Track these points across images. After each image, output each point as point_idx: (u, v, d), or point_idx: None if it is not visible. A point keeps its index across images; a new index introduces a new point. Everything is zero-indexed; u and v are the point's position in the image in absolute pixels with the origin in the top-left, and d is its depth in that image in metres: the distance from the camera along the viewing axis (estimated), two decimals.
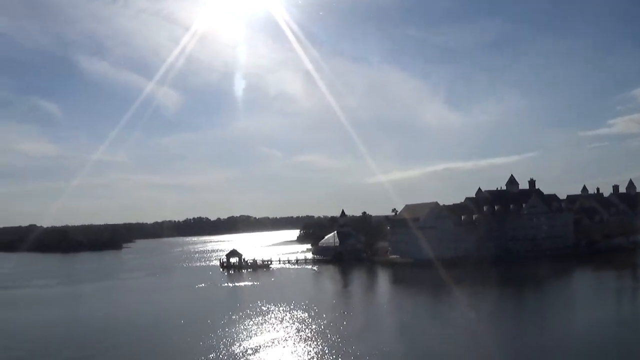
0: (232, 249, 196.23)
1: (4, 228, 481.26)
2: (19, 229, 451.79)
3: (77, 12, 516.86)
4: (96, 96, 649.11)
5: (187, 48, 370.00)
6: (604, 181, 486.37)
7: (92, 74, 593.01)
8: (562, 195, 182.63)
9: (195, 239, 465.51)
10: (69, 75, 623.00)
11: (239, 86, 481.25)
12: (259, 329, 75.80)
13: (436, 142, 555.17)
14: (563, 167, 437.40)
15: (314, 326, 74.72)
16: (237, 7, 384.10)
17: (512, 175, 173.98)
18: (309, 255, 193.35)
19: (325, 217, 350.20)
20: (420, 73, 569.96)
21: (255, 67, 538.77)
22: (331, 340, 65.70)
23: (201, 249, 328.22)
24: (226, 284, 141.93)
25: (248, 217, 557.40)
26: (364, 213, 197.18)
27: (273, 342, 66.77)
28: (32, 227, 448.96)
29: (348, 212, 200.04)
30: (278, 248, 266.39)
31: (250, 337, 70.24)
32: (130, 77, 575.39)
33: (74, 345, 72.52)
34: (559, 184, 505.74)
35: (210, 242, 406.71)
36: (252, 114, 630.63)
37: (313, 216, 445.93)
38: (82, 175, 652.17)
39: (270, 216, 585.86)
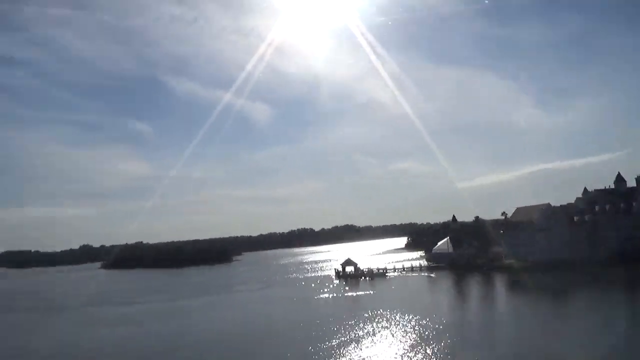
0: (347, 258, 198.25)
1: (113, 246, 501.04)
2: (125, 247, 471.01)
3: (158, 35, 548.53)
4: (186, 114, 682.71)
5: (272, 62, 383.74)
6: None
7: (180, 93, 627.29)
8: None
9: (301, 249, 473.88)
10: (158, 96, 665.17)
11: (327, 96, 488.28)
12: (383, 340, 75.53)
13: (529, 143, 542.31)
14: None
15: (440, 336, 74.34)
16: (318, 19, 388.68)
17: (619, 173, 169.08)
18: (423, 262, 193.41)
19: (428, 224, 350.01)
20: (507, 73, 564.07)
21: (342, 76, 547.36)
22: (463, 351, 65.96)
23: (309, 259, 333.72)
24: (347, 294, 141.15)
25: (352, 226, 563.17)
26: (477, 218, 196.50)
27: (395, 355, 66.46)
28: (138, 245, 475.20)
29: (447, 217, 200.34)
30: (388, 256, 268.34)
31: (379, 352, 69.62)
32: (218, 94, 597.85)
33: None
34: None
35: (317, 252, 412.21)
36: (342, 123, 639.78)
37: (416, 223, 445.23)
38: (180, 192, 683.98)
39: (373, 225, 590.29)
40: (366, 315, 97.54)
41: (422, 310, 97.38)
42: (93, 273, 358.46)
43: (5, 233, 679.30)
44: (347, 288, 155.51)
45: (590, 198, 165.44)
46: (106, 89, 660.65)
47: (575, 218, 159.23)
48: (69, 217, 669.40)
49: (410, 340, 74.39)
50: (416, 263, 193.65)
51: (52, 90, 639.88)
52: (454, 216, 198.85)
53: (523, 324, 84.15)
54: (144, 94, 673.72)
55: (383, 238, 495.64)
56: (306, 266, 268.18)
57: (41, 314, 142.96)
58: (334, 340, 77.14)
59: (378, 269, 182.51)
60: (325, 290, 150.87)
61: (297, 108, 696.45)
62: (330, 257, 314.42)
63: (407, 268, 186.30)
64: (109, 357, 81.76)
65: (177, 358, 77.63)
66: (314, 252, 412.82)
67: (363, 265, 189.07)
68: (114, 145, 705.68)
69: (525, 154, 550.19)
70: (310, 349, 72.61)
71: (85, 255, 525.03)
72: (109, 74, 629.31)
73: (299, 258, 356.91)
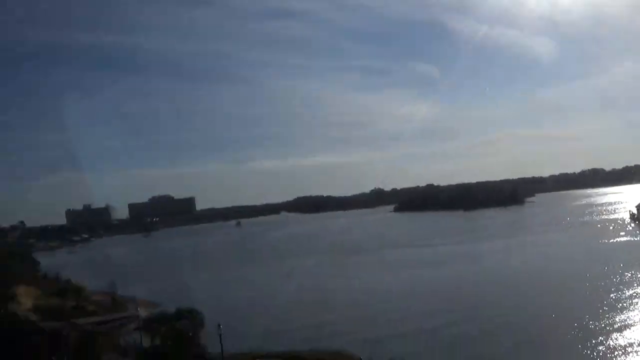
0: None
1: (404, 189, 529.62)
2: (416, 190, 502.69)
3: None
4: (470, 54, 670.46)
5: None
6: None
7: (462, 31, 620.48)
8: None
9: (592, 190, 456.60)
10: (441, 37, 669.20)
11: (609, 30, 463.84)
12: None
13: None
14: None
15: None
16: None
17: None
18: None
19: None
20: None
21: (621, 8, 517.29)
22: None
23: (601, 201, 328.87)
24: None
25: None
26: None
27: None
28: (429, 187, 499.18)
29: None
30: None
31: None
32: (499, 31, 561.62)
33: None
34: None
35: (608, 193, 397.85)
36: (628, 57, 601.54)
37: None
38: (467, 134, 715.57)
39: None
40: None
41: None
42: (385, 216, 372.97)
43: (298, 180, 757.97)
44: None
45: None
46: (387, 34, 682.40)
47: None
48: (360, 161, 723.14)
49: None
50: None
51: (334, 39, 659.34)
52: None
53: None
54: (426, 36, 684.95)
55: None
56: (599, 208, 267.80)
57: (342, 256, 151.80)
58: (627, 290, 77.90)
59: None
60: (621, 233, 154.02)
61: (582, 42, 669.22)
62: (621, 198, 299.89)
63: None
64: (417, 300, 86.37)
65: (481, 303, 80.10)
66: (606, 194, 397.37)
67: None
68: (401, 89, 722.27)
69: None
70: (607, 300, 73.98)
71: (376, 198, 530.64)
72: (389, 19, 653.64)
73: (591, 199, 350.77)
